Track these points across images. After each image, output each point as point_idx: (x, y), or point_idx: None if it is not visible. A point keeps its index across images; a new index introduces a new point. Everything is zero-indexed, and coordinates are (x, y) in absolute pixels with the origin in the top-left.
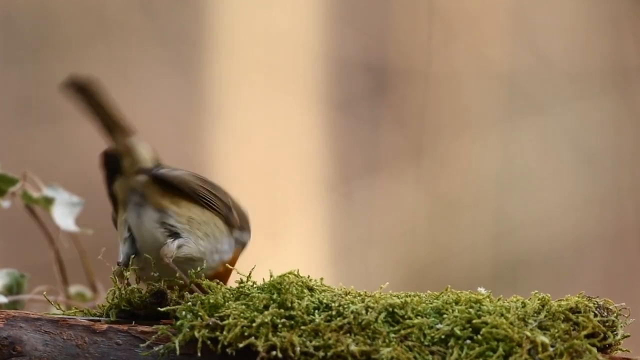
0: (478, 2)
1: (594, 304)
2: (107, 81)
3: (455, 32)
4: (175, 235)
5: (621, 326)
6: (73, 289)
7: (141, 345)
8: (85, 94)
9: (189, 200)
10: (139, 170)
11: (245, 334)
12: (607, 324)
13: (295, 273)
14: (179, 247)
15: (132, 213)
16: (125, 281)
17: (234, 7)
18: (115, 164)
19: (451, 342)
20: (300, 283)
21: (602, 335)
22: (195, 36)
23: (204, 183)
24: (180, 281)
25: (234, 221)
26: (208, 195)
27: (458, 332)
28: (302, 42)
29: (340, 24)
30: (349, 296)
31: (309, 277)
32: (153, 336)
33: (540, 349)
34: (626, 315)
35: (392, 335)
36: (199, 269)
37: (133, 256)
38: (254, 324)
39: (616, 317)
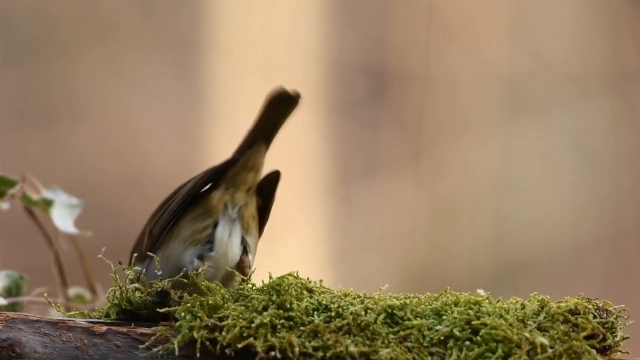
0: (477, 5)
1: (594, 305)
2: (105, 82)
3: (454, 35)
4: (245, 251)
5: (620, 328)
6: (72, 291)
7: (140, 346)
8: (290, 106)
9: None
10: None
11: (244, 334)
12: (606, 325)
13: (295, 275)
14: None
15: (224, 227)
16: (126, 280)
17: (232, 9)
18: (218, 176)
19: (450, 343)
20: (299, 284)
21: (601, 336)
22: (194, 38)
23: None
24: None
25: None
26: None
27: (457, 333)
28: (301, 44)
29: (339, 26)
30: (348, 297)
31: (308, 278)
32: (152, 337)
33: (539, 350)
34: (625, 317)
35: (392, 336)
36: (200, 269)
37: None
38: (252, 325)
39: (615, 318)
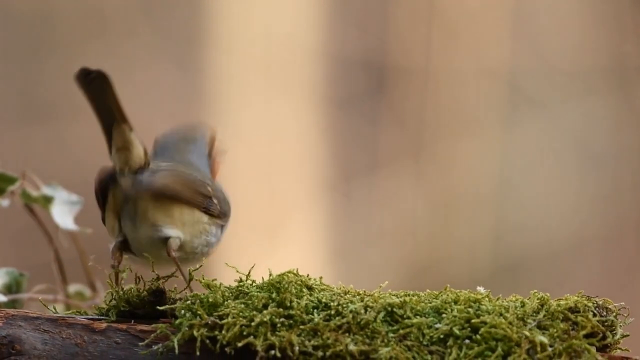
0: (478, 1)
1: (593, 303)
2: None
3: (455, 31)
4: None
5: (620, 326)
6: (72, 288)
7: (140, 344)
8: (97, 85)
9: (178, 202)
10: (134, 170)
11: (244, 333)
12: (606, 323)
13: (295, 272)
14: (179, 245)
15: (127, 223)
16: (122, 282)
17: (233, 5)
18: (111, 176)
19: (450, 342)
20: (299, 282)
21: (601, 335)
22: (195, 34)
23: (185, 179)
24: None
25: (215, 210)
26: (191, 195)
27: (457, 331)
28: (302, 41)
29: (340, 22)
30: (348, 295)
31: (308, 276)
32: (152, 335)
33: (539, 348)
34: (625, 315)
35: (391, 334)
36: (198, 266)
37: (126, 257)
38: (252, 323)
39: (615, 316)
